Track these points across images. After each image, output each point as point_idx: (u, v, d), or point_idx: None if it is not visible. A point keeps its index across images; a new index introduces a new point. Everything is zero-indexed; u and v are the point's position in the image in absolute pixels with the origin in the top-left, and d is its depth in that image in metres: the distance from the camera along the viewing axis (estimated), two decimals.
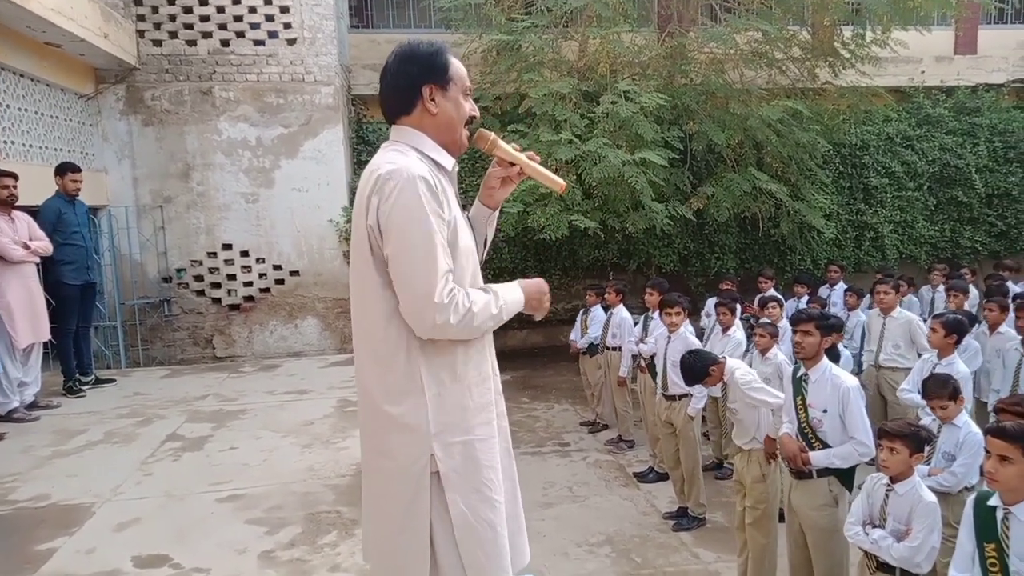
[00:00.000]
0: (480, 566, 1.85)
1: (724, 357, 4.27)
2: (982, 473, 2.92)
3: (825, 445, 3.70)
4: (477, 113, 2.01)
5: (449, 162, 1.94)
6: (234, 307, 8.30)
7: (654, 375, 5.64)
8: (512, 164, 2.03)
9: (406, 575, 1.85)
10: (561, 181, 2.06)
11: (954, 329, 4.60)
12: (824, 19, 9.15)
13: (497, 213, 2.16)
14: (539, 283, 2.02)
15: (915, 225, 10.30)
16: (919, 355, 5.27)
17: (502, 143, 2.02)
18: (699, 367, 4.17)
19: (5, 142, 6.14)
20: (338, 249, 8.29)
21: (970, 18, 11.06)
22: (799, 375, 3.89)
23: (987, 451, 2.63)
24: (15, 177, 5.38)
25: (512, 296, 1.94)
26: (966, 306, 6.28)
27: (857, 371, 5.91)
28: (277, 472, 4.25)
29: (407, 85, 1.90)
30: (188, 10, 7.93)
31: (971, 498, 2.82)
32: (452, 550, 1.84)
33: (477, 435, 1.88)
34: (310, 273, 8.37)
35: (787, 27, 9.07)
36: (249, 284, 8.29)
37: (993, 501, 2.65)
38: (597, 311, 7.13)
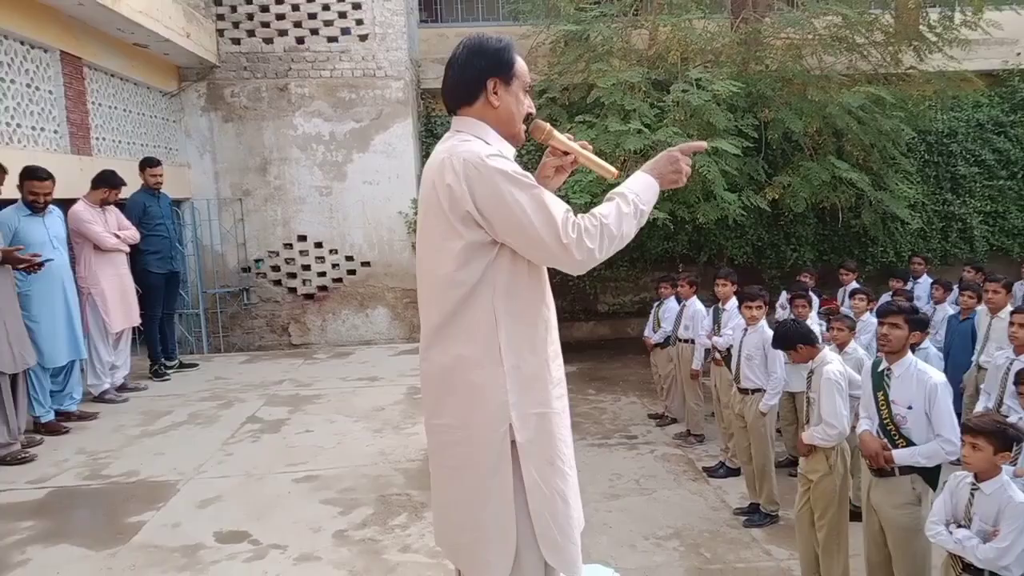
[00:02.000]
0: (551, 536, 1.87)
1: (823, 345, 4.16)
2: None
3: (909, 442, 3.55)
4: (534, 110, 2.07)
5: (511, 152, 1.98)
6: (309, 296, 8.54)
7: (730, 367, 5.51)
8: (566, 153, 2.09)
9: (494, 544, 1.86)
10: (613, 169, 2.08)
11: None
12: (908, 1, 8.73)
13: None
14: (667, 155, 1.99)
15: (1007, 216, 9.75)
16: None
17: (557, 133, 2.07)
18: (793, 335, 4.18)
19: (97, 139, 6.47)
20: (407, 240, 8.42)
21: None
22: (880, 369, 3.74)
23: None
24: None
25: (641, 184, 1.94)
26: None
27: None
28: (350, 455, 4.35)
29: (473, 77, 1.95)
30: (265, 9, 8.18)
31: None
32: (525, 519, 1.86)
33: (553, 408, 1.91)
34: (380, 264, 8.53)
35: (869, 11, 8.69)
36: (323, 274, 8.51)
37: None
38: (671, 303, 7.01)
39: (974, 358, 5.76)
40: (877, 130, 8.22)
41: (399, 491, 3.81)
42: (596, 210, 1.88)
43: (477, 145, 1.87)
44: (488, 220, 1.81)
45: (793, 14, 8.55)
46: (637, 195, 1.91)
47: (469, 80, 1.96)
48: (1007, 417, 3.96)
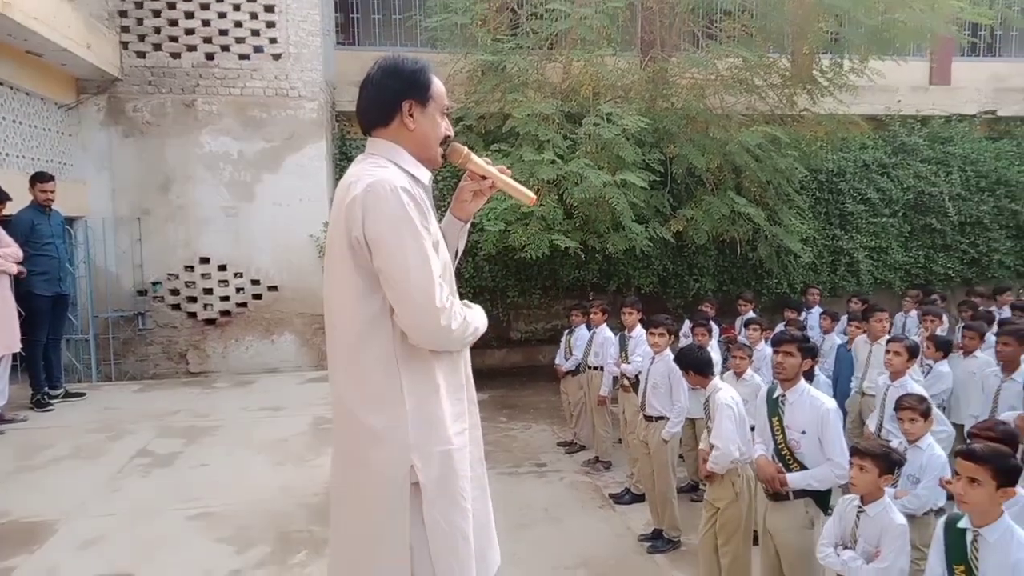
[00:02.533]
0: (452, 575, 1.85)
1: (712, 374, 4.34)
2: (950, 496, 2.95)
3: (802, 467, 3.71)
4: (452, 132, 2.05)
5: (426, 176, 1.97)
6: (210, 322, 8.21)
7: (638, 394, 5.63)
8: (484, 177, 2.08)
9: None
10: (531, 194, 2.11)
11: (914, 353, 4.76)
12: (804, 47, 9.33)
13: (468, 226, 2.20)
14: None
15: (890, 251, 10.45)
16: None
17: (475, 157, 2.06)
18: (689, 359, 4.41)
19: None
20: (317, 264, 8.23)
21: (944, 50, 11.36)
22: (775, 396, 3.91)
23: (957, 473, 2.66)
24: None
25: (479, 316, 2.00)
26: (938, 332, 6.36)
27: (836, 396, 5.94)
28: (249, 490, 4.19)
29: (388, 98, 1.93)
30: (173, 23, 7.91)
31: (941, 520, 2.85)
32: (426, 560, 1.83)
33: (454, 444, 1.89)
34: (289, 288, 8.30)
35: (767, 54, 9.23)
36: (226, 298, 8.20)
37: (963, 523, 2.68)
38: (581, 331, 7.11)
39: (854, 385, 6.12)
40: (773, 168, 8.71)
41: (300, 527, 3.69)
42: (459, 305, 1.91)
43: (390, 173, 1.84)
44: (371, 250, 1.79)
45: (697, 55, 8.98)
46: (477, 322, 1.95)
47: (384, 101, 1.94)
48: (889, 441, 4.23)
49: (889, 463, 3.18)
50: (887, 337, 5.65)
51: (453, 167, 2.12)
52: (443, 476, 1.85)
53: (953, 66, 11.82)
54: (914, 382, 4.78)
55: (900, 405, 3.93)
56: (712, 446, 4.13)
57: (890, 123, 11.03)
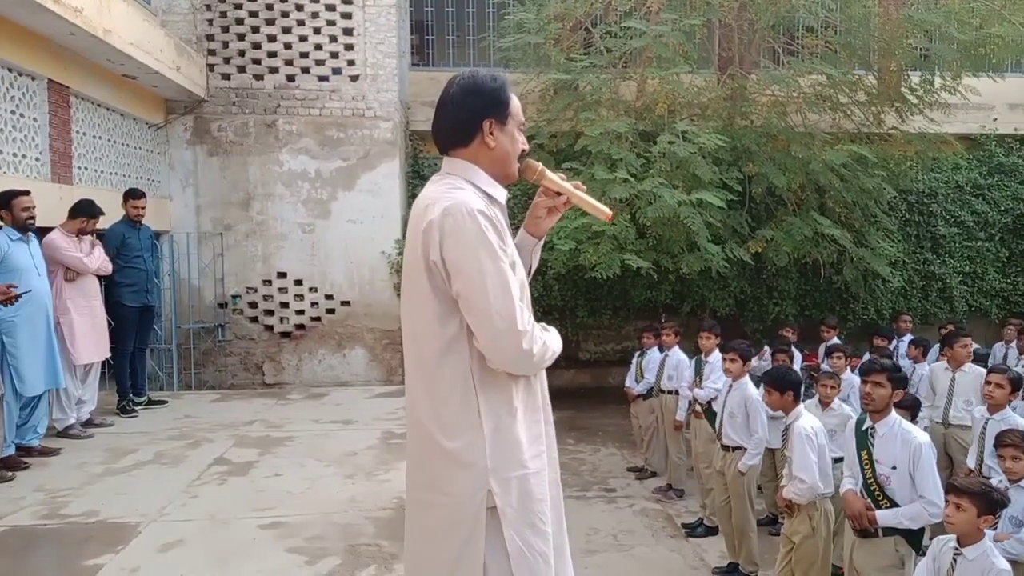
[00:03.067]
0: None
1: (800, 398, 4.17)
2: None
3: (892, 503, 3.49)
4: (528, 147, 2.02)
5: (503, 195, 1.94)
6: (285, 335, 8.40)
7: (711, 421, 5.43)
8: (559, 194, 2.03)
9: None
10: (607, 210, 2.05)
11: (1017, 385, 4.43)
12: (891, 64, 8.95)
13: (542, 243, 2.15)
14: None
15: (986, 277, 9.87)
16: None
17: (549, 173, 2.02)
18: (780, 377, 4.23)
19: (79, 168, 6.39)
20: (389, 281, 8.34)
21: None
22: (864, 428, 3.69)
23: None
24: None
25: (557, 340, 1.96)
26: None
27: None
28: (319, 501, 4.21)
29: (468, 118, 1.90)
30: (257, 46, 8.22)
31: None
32: None
33: (531, 468, 1.85)
34: (361, 304, 8.43)
35: (852, 71, 8.90)
36: (301, 312, 8.39)
37: None
38: (653, 354, 6.91)
39: (932, 415, 5.72)
40: (859, 188, 8.34)
41: (369, 541, 3.67)
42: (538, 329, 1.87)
43: (467, 195, 1.81)
44: (450, 274, 1.76)
45: (778, 72, 8.74)
46: (554, 347, 1.90)
47: (464, 121, 1.90)
48: (990, 479, 3.92)
49: (990, 503, 2.92)
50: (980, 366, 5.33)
51: (524, 184, 2.05)
52: (521, 500, 1.82)
53: None
54: (1016, 415, 4.43)
55: (1002, 442, 3.64)
56: (794, 477, 3.92)
57: (986, 142, 10.45)
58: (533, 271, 2.15)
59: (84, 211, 5.55)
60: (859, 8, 8.53)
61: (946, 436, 5.56)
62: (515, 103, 1.96)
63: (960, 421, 5.48)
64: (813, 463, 3.87)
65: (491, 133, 1.90)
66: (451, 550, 1.80)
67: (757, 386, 4.89)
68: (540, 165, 2.00)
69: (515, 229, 2.03)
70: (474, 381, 1.80)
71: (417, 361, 1.87)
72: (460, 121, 1.91)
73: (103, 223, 6.03)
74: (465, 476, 1.79)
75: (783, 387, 4.19)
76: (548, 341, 1.87)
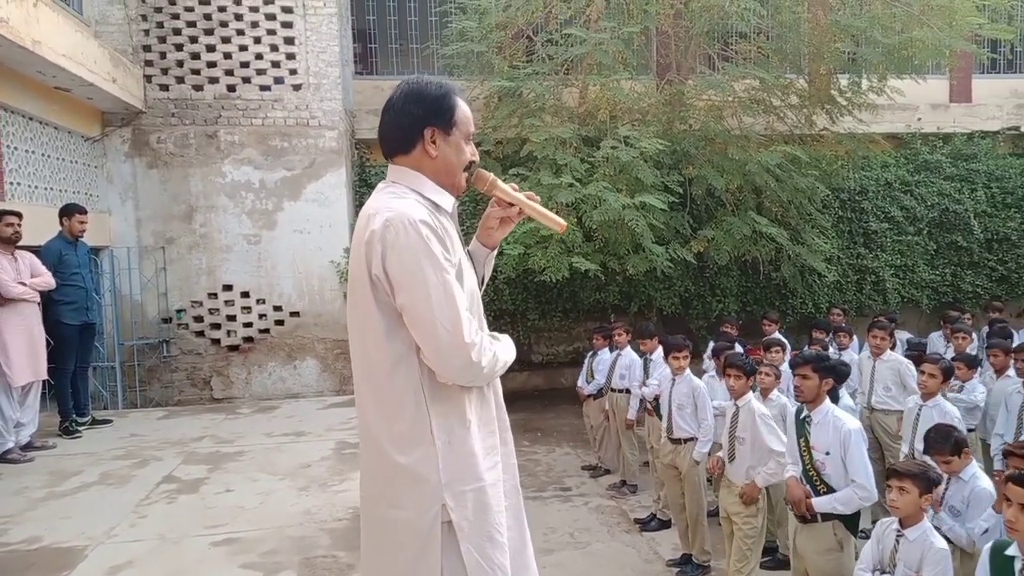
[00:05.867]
0: None
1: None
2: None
3: (830, 488, 3.67)
4: (477, 158, 1.96)
5: (449, 203, 1.90)
6: (233, 348, 8.27)
7: (660, 416, 5.57)
8: (511, 204, 2.00)
9: None
10: (562, 221, 2.03)
11: (948, 374, 4.65)
12: (820, 68, 9.32)
13: (495, 253, 2.13)
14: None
15: (916, 269, 10.32)
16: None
17: (501, 183, 1.98)
18: (751, 363, 4.46)
19: (11, 183, 6.19)
20: (339, 290, 8.29)
21: (964, 68, 11.28)
22: (802, 417, 3.87)
23: (1007, 499, 2.57)
24: (19, 216, 5.44)
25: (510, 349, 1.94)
26: (969, 349, 6.25)
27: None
28: (273, 515, 4.17)
29: (409, 125, 1.86)
30: (196, 56, 8.09)
31: (987, 547, 2.76)
32: None
33: (487, 480, 1.83)
34: (310, 314, 8.36)
35: (784, 75, 9.23)
36: (249, 325, 8.27)
37: (1011, 551, 2.59)
38: (604, 355, 7.06)
39: (862, 401, 5.99)
40: (794, 187, 8.65)
41: (325, 553, 3.67)
42: (488, 339, 1.82)
43: (409, 204, 1.76)
44: (393, 287, 1.73)
45: (714, 77, 9.00)
46: (506, 356, 1.88)
47: (405, 128, 1.86)
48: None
49: (928, 482, 3.10)
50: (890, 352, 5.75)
51: (474, 190, 2.03)
52: (478, 513, 1.79)
53: (973, 83, 11.73)
54: (947, 402, 4.66)
55: (927, 449, 3.77)
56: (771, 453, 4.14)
57: (911, 141, 10.95)
58: (487, 281, 2.13)
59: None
60: (789, 14, 8.87)
61: (871, 420, 5.82)
62: (462, 112, 1.89)
63: (882, 406, 5.74)
64: (782, 435, 4.12)
65: (433, 142, 1.85)
66: (405, 565, 1.78)
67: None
68: (491, 176, 1.96)
69: (466, 236, 2.02)
70: (425, 395, 1.76)
71: (366, 375, 1.83)
72: (401, 128, 1.86)
73: (39, 239, 5.87)
74: (418, 491, 1.76)
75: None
76: (499, 352, 1.83)
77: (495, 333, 1.90)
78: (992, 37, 9.85)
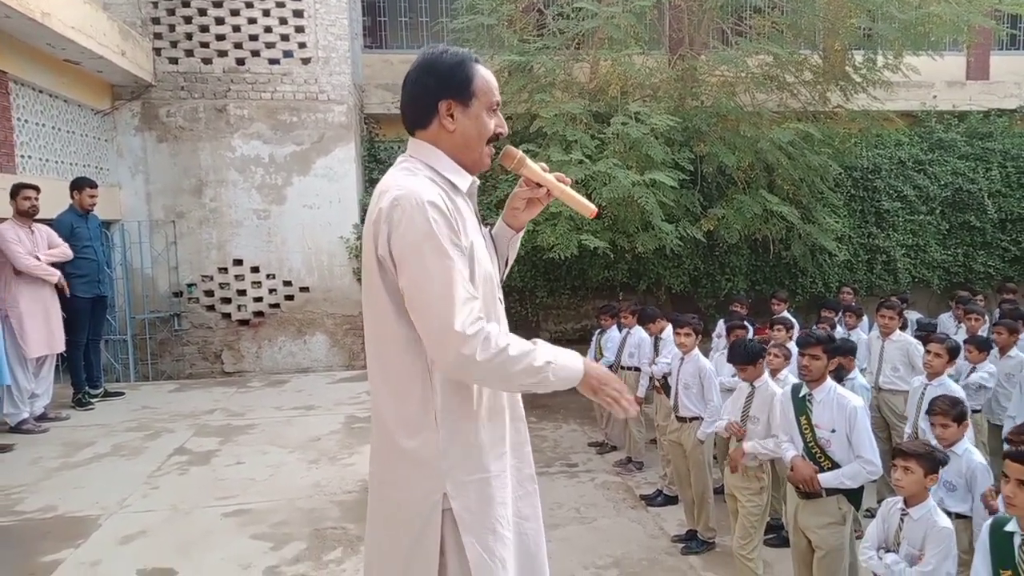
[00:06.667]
0: None
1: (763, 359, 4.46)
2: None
3: (834, 464, 3.71)
4: (504, 130, 1.84)
5: (465, 182, 1.81)
6: (243, 322, 8.33)
7: (669, 394, 5.59)
8: (539, 185, 1.90)
9: None
10: (592, 206, 1.92)
11: (954, 354, 4.66)
12: (835, 44, 9.17)
13: (520, 234, 2.05)
14: (608, 375, 1.80)
15: (928, 249, 10.23)
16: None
17: (530, 162, 1.87)
18: (755, 348, 4.44)
19: (22, 156, 6.21)
20: (348, 266, 8.32)
21: (982, 44, 11.08)
22: (802, 395, 3.89)
23: (1005, 475, 2.59)
24: (37, 189, 5.47)
25: (570, 362, 1.73)
26: (981, 331, 6.22)
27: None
28: (283, 487, 4.23)
29: (424, 99, 1.78)
30: (205, 29, 8.05)
31: (987, 523, 2.78)
32: None
33: (492, 471, 1.79)
34: (320, 289, 8.39)
35: (798, 51, 9.10)
36: (259, 300, 8.32)
37: (1011, 527, 2.61)
38: (612, 332, 7.09)
39: (870, 381, 5.98)
40: (806, 165, 8.57)
41: (334, 524, 3.72)
42: (511, 336, 1.69)
43: (420, 182, 1.69)
44: (398, 267, 1.67)
45: (727, 52, 8.88)
46: (556, 366, 1.70)
47: (420, 102, 1.78)
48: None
49: (933, 462, 3.12)
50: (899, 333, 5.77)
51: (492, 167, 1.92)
52: (481, 504, 1.76)
53: (992, 60, 11.54)
54: (952, 382, 4.66)
55: (932, 410, 3.81)
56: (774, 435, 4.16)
57: (926, 119, 10.80)
58: (511, 263, 2.06)
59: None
60: None
61: (878, 399, 5.82)
62: (482, 80, 1.78)
63: (890, 386, 5.73)
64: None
65: (450, 115, 1.76)
66: (404, 545, 1.77)
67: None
68: (519, 153, 1.86)
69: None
70: (432, 380, 1.72)
71: (377, 355, 1.79)
72: (417, 101, 1.79)
73: (50, 212, 5.90)
74: (419, 476, 1.73)
75: (751, 358, 4.40)
76: (515, 355, 1.64)
77: (540, 342, 1.73)
78: (1012, 12, 9.66)
